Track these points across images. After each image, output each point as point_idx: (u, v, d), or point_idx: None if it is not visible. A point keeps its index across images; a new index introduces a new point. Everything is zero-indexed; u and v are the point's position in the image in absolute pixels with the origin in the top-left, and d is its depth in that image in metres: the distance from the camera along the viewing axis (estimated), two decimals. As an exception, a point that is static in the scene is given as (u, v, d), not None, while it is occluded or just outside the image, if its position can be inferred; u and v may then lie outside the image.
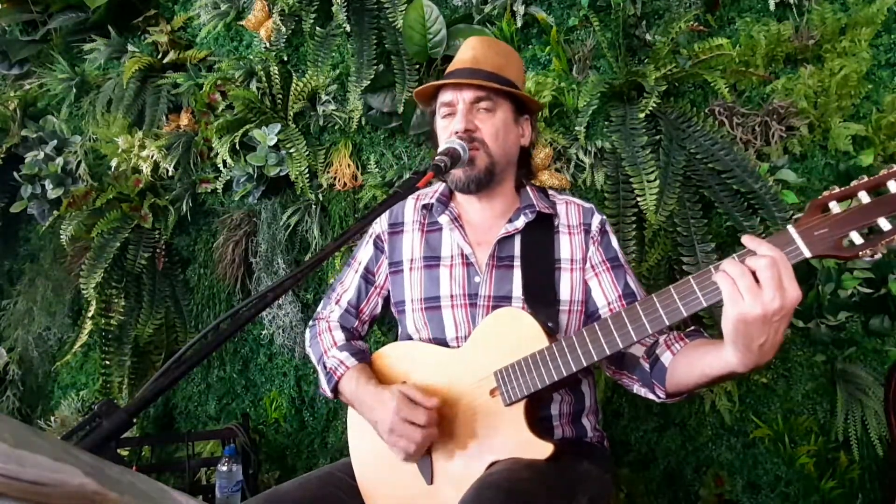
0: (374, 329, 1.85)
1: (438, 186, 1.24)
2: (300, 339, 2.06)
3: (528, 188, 1.22)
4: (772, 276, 0.73)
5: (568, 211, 1.20)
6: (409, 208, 1.26)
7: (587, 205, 1.22)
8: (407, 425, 1.00)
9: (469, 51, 1.18)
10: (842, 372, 1.66)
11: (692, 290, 0.85)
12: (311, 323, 1.34)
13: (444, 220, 1.20)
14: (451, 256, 1.18)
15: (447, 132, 1.13)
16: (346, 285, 1.30)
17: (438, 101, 1.18)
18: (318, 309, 1.34)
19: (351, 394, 1.14)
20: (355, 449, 1.20)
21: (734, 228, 1.63)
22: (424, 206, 1.24)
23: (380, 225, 1.27)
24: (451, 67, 1.20)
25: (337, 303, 1.30)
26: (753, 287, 0.74)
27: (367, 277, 1.28)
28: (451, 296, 1.16)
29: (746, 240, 0.79)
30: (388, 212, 1.26)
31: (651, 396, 1.02)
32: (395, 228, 1.26)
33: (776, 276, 0.74)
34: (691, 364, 0.92)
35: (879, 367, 1.66)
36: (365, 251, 1.29)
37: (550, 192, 1.26)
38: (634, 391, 1.06)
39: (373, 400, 1.08)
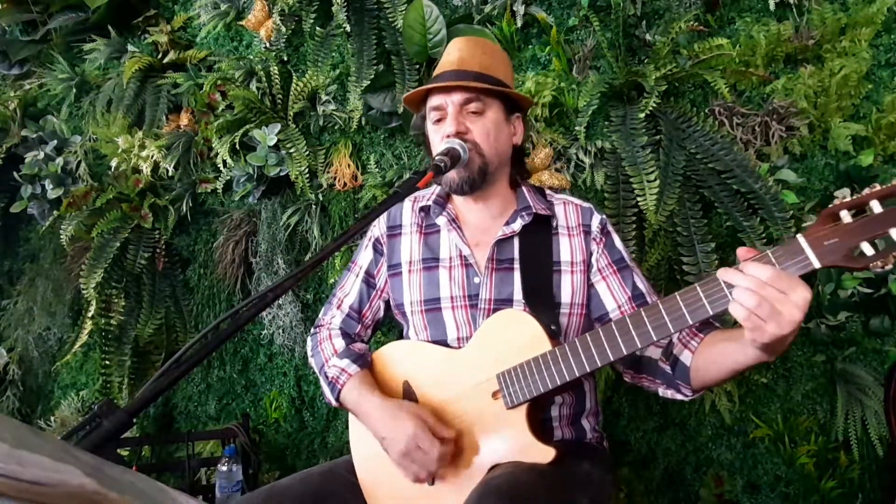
0: (374, 329, 1.85)
1: (435, 188, 1.24)
2: (300, 339, 2.06)
3: (524, 188, 1.20)
4: (766, 301, 0.75)
5: (566, 212, 1.19)
6: (407, 211, 1.25)
7: (585, 204, 1.21)
8: (422, 454, 1.00)
9: (454, 52, 1.17)
10: (842, 372, 1.65)
11: (699, 298, 0.84)
12: (312, 331, 1.33)
13: (441, 221, 1.20)
14: (450, 258, 1.18)
15: (439, 136, 1.12)
16: (347, 289, 1.29)
17: (428, 105, 1.16)
18: (320, 315, 1.33)
19: (353, 404, 1.13)
20: (357, 447, 1.19)
21: (734, 228, 1.63)
22: (422, 209, 1.23)
23: (378, 228, 1.27)
24: (437, 70, 1.18)
25: (338, 308, 1.29)
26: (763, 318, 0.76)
27: (369, 281, 1.28)
28: (452, 297, 1.15)
29: (722, 273, 0.81)
30: (385, 214, 1.25)
31: (678, 397, 1.02)
32: (394, 231, 1.25)
33: (769, 303, 0.75)
34: (717, 362, 0.93)
35: (879, 367, 1.65)
36: (365, 255, 1.29)
37: (548, 191, 1.25)
38: (660, 394, 1.05)
39: (382, 414, 1.07)
